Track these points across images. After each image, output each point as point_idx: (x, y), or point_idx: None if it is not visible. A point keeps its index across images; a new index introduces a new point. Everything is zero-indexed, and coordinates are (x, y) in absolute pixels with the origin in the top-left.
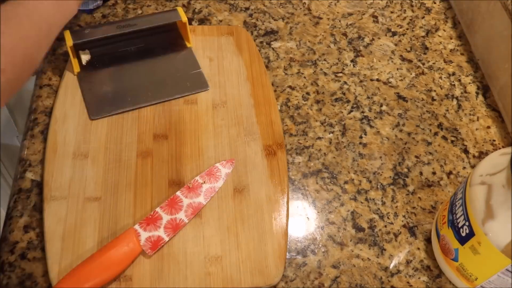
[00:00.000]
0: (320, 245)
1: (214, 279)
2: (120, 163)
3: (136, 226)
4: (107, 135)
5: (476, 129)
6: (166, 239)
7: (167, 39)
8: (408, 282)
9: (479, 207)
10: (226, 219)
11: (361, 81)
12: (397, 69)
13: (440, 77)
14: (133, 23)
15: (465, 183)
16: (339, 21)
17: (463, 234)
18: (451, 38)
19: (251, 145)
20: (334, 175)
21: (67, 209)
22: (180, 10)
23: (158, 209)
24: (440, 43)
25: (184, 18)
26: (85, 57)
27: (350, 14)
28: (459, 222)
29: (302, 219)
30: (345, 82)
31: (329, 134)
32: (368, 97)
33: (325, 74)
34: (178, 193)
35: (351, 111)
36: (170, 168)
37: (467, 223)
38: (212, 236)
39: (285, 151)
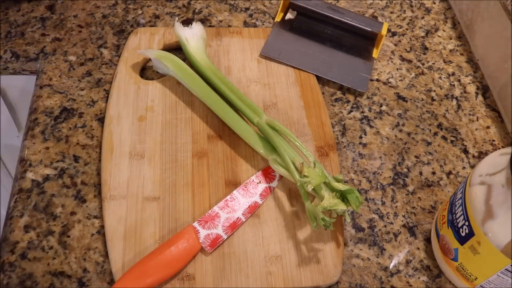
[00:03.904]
0: None
1: (275, 278)
2: (176, 163)
3: (195, 224)
4: (162, 135)
5: (476, 129)
6: (225, 237)
7: (359, 41)
8: (408, 282)
9: (479, 207)
10: (284, 219)
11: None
12: (397, 69)
13: (440, 77)
14: (342, 12)
15: (464, 183)
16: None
17: (463, 234)
18: (450, 38)
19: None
20: None
21: (127, 208)
22: (385, 25)
23: (215, 208)
24: (440, 43)
25: (384, 32)
26: (290, 15)
27: None
28: (458, 222)
29: None
30: None
31: None
32: (368, 97)
33: None
34: (235, 192)
35: (351, 111)
36: (226, 168)
37: (466, 223)
38: (271, 236)
39: (336, 153)
